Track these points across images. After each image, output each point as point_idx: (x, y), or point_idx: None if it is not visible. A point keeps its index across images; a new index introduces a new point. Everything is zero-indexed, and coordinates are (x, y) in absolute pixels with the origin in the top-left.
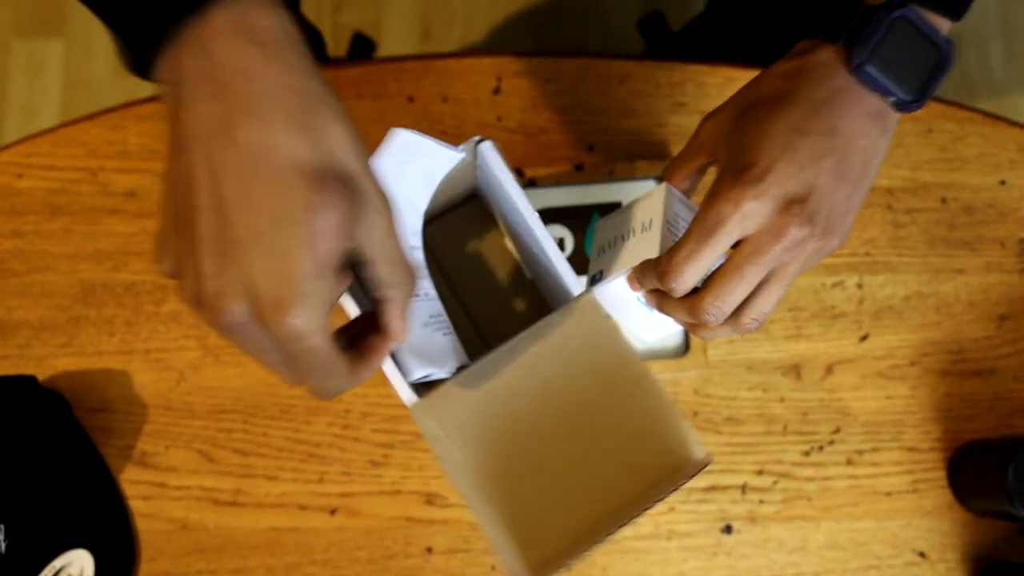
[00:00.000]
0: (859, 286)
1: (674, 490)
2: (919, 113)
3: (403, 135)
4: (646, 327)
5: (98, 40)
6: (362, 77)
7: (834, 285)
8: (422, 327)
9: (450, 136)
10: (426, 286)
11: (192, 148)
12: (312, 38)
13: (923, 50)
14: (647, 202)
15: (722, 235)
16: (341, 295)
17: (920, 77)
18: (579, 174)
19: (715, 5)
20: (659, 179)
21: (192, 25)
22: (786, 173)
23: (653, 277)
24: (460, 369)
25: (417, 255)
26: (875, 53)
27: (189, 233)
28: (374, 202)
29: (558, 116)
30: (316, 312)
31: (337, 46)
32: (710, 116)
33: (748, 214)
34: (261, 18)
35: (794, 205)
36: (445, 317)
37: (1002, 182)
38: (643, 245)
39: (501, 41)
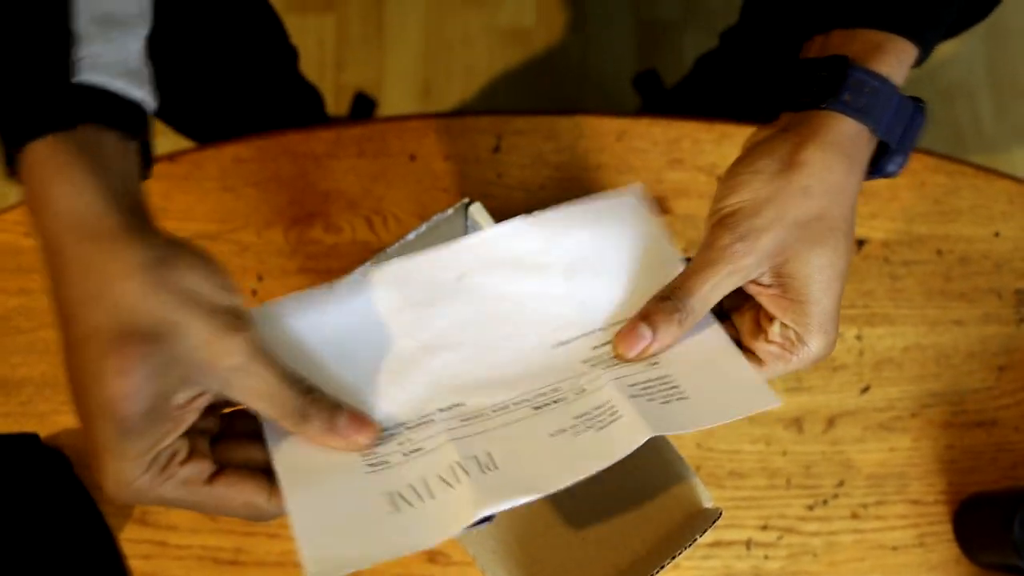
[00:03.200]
0: (858, 338)
1: (691, 544)
2: (913, 166)
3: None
4: None
5: None
6: (364, 136)
7: None
8: (550, 437)
9: (451, 194)
10: (590, 378)
11: None
12: (311, 98)
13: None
14: None
15: None
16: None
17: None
18: None
19: (701, 66)
20: None
21: (22, 156)
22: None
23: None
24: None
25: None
26: (907, 151)
27: None
28: (199, 340)
29: (557, 173)
30: (131, 470)
31: (339, 105)
32: (744, 235)
33: None
34: (61, 153)
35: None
36: (609, 405)
37: (996, 233)
38: None
39: (499, 99)
